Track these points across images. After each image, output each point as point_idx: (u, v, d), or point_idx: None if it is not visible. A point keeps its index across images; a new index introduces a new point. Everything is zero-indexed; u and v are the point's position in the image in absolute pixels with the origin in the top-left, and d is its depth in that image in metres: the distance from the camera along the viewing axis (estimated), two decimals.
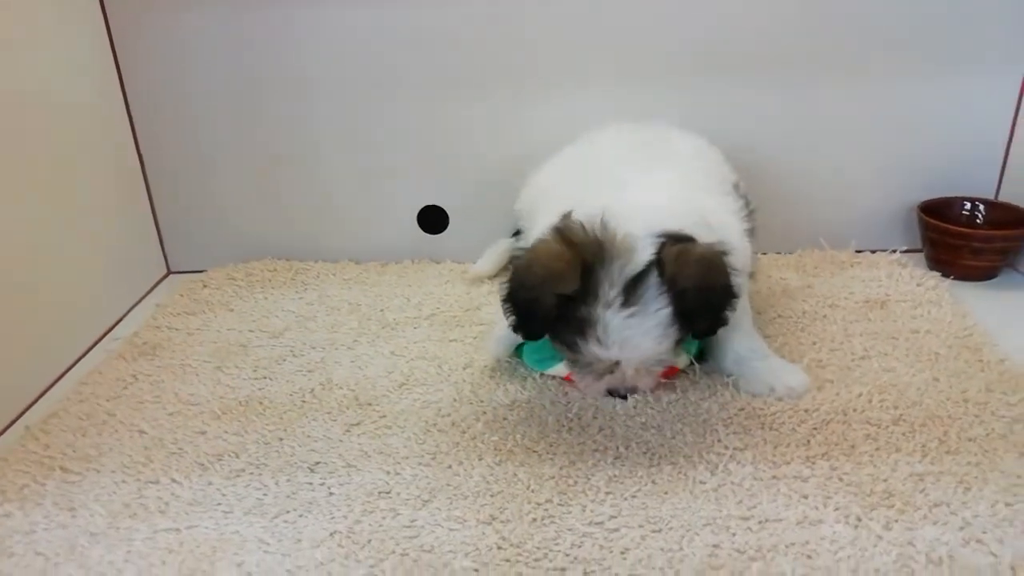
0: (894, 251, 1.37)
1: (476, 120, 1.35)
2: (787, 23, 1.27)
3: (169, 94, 1.34)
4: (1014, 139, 1.33)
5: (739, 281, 0.89)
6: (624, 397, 0.97)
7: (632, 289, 0.82)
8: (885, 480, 0.84)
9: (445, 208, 1.42)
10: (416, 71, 1.32)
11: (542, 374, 1.05)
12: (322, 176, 1.40)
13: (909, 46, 1.28)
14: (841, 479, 0.85)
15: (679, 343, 0.88)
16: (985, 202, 1.34)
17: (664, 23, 1.28)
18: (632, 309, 0.82)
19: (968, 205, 1.34)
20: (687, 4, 1.26)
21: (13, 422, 1.04)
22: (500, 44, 1.30)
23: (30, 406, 1.08)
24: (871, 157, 1.36)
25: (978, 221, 1.34)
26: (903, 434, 0.91)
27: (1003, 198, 1.35)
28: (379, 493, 0.87)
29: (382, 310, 1.27)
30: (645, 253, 0.82)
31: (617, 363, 0.87)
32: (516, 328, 0.89)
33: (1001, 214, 1.31)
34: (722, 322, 0.87)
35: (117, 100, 1.34)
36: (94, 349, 1.22)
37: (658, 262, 0.82)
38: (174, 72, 1.33)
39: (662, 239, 0.83)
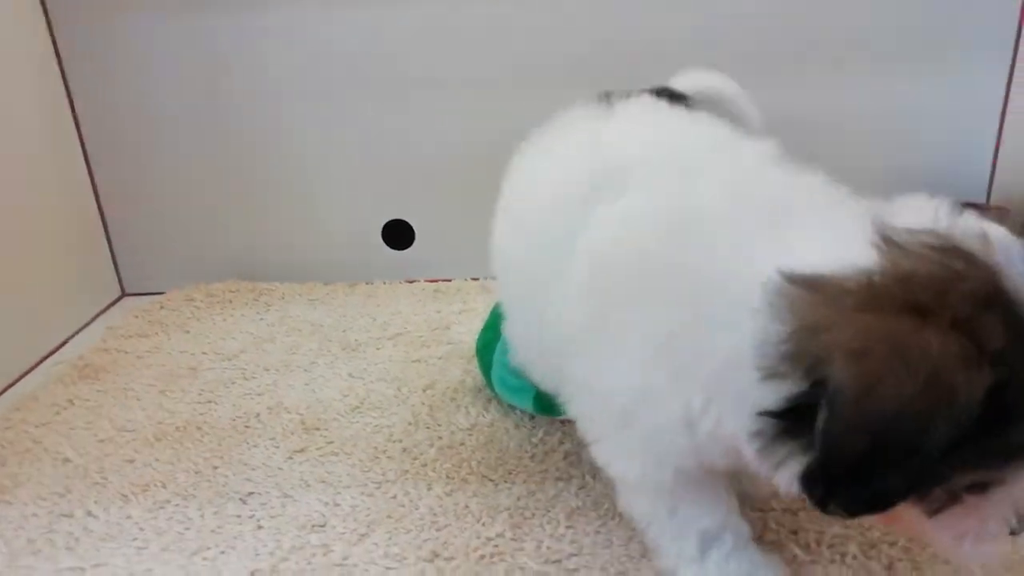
0: None
1: (437, 124, 1.27)
2: (759, 23, 1.19)
3: (120, 105, 1.28)
4: (1003, 139, 1.23)
5: None
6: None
7: None
8: None
9: (410, 222, 1.34)
10: (373, 75, 1.25)
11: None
12: (282, 193, 1.33)
13: (888, 45, 1.19)
14: None
15: None
16: (974, 206, 1.25)
17: (638, 19, 1.20)
18: None
19: None
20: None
21: None
22: (468, 41, 1.23)
23: None
24: (851, 162, 1.27)
25: None
26: None
27: (995, 201, 1.26)
28: (312, 526, 0.77)
29: (345, 330, 1.18)
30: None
31: None
32: (848, 505, 0.46)
33: (992, 218, 1.22)
34: None
35: (64, 112, 1.28)
36: (32, 373, 1.14)
37: None
38: (125, 82, 1.27)
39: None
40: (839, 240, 0.47)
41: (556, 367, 0.65)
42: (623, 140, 0.67)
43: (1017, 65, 1.20)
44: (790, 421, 0.45)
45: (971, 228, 0.47)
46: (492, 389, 0.96)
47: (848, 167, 1.35)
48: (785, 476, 0.47)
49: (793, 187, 0.56)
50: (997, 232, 0.47)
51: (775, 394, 0.45)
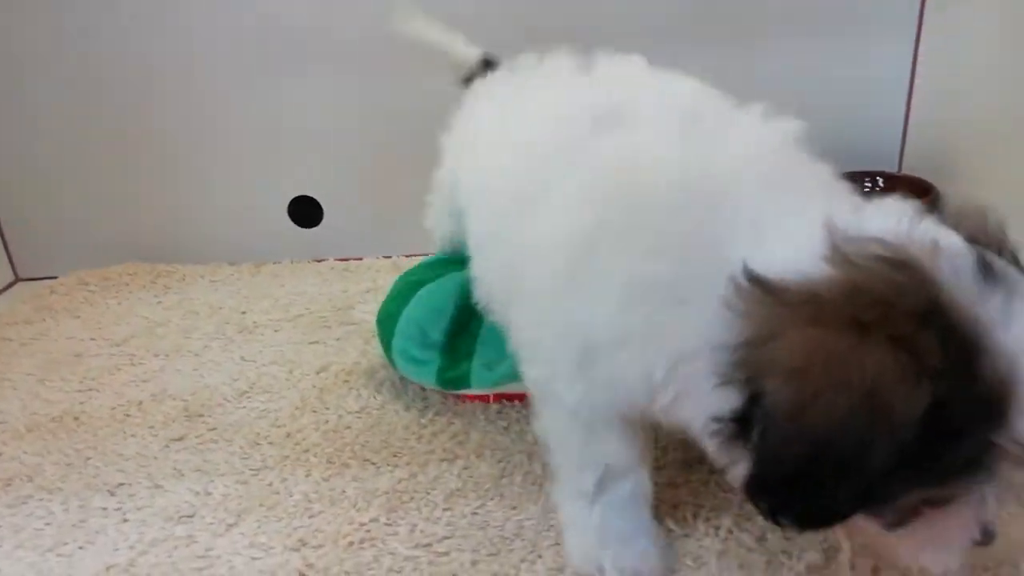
0: None
1: (341, 96, 1.22)
2: None
3: None
4: (912, 107, 1.24)
5: None
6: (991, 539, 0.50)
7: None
8: None
9: (318, 199, 1.29)
10: (272, 45, 1.20)
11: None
12: (182, 170, 1.28)
13: (797, 14, 1.18)
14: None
15: None
16: (885, 175, 1.25)
17: None
18: None
19: (868, 180, 1.25)
20: None
21: None
22: (374, 8, 1.17)
23: None
24: None
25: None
26: None
27: (905, 171, 1.26)
28: (180, 517, 0.74)
29: (244, 312, 1.14)
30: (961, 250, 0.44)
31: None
32: (795, 519, 0.46)
33: (903, 187, 1.22)
34: None
35: None
36: None
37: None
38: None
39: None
40: (804, 240, 0.46)
41: (515, 289, 0.63)
42: (628, 81, 0.68)
43: (922, 35, 1.20)
44: (742, 426, 0.45)
45: (924, 237, 0.44)
46: (391, 362, 0.92)
47: None
48: (738, 475, 0.48)
49: (797, 174, 0.54)
50: (949, 241, 0.44)
51: (727, 402, 0.45)
